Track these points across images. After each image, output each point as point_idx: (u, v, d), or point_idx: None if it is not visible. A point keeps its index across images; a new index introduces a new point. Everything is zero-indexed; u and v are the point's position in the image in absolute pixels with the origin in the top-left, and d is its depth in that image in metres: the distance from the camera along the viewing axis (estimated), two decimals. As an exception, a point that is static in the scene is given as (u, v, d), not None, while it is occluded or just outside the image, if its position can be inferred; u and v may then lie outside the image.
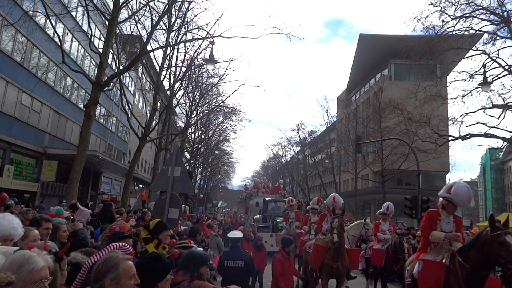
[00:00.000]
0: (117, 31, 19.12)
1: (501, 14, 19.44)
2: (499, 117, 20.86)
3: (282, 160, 71.91)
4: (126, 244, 3.04)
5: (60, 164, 21.71)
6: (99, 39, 22.29)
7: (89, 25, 16.90)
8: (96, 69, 16.66)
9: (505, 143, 23.68)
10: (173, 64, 24.55)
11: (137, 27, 20.64)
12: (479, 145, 76.46)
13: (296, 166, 68.83)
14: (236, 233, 6.42)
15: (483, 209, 71.33)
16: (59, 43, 16.21)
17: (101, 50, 15.86)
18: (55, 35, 16.62)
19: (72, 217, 6.90)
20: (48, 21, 16.25)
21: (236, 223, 24.49)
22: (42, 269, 2.10)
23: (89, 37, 16.83)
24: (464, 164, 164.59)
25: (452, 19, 20.11)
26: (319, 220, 9.69)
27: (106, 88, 17.07)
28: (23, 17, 15.56)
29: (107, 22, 15.78)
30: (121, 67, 19.08)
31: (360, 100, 53.51)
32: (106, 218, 8.49)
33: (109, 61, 20.52)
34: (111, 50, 17.50)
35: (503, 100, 20.66)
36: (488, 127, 21.23)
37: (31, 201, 17.77)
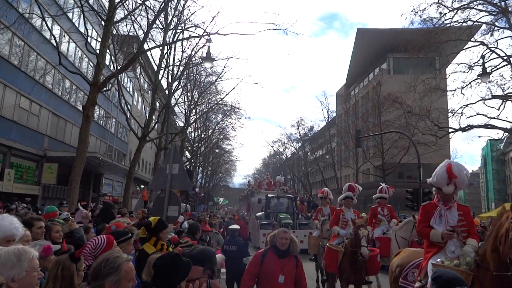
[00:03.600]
0: (114, 31, 19.07)
1: (498, 4, 19.36)
2: (499, 108, 20.85)
3: (283, 157, 71.88)
4: (104, 236, 3.09)
5: (61, 166, 21.69)
6: (96, 40, 22.23)
7: (85, 26, 16.84)
8: (94, 70, 16.61)
9: (506, 134, 23.64)
10: (171, 63, 24.52)
11: (133, 27, 20.62)
12: (479, 137, 75.76)
13: (297, 162, 68.79)
14: (235, 226, 8.40)
15: (485, 200, 71.38)
16: (55, 45, 16.17)
17: (98, 51, 15.82)
18: (52, 37, 16.56)
19: (71, 218, 6.88)
20: (44, 23, 16.20)
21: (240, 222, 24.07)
22: (36, 258, 2.22)
23: (86, 38, 16.76)
24: (465, 156, 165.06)
25: (450, 10, 20.06)
26: (422, 214, 4.88)
27: (104, 89, 17.05)
28: (19, 20, 15.51)
29: (103, 23, 15.74)
30: (118, 68, 19.04)
31: (359, 95, 53.40)
32: (107, 219, 8.45)
33: (107, 62, 20.54)
34: (108, 51, 17.48)
35: (503, 91, 20.61)
36: (488, 118, 21.22)
37: (33, 204, 17.76)
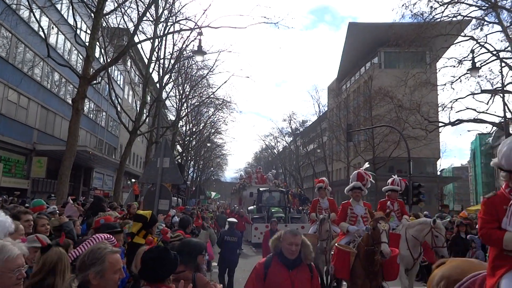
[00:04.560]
0: (104, 24, 18.82)
1: (488, -1, 19.47)
2: (487, 102, 21.04)
3: (275, 151, 72.02)
4: (111, 236, 3.00)
5: (50, 160, 21.46)
6: (85, 32, 21.91)
7: (74, 18, 16.57)
8: (83, 62, 16.39)
9: (494, 128, 23.91)
10: (162, 56, 24.29)
11: (123, 19, 20.37)
12: (468, 131, 76.38)
13: (288, 156, 68.97)
14: (233, 219, 9.74)
15: (474, 193, 72.35)
16: (44, 37, 15.90)
17: (87, 44, 15.59)
18: (40, 28, 16.27)
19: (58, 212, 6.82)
20: (32, 14, 15.90)
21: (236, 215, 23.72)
22: (18, 257, 2.08)
23: (75, 30, 16.50)
24: (455, 150, 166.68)
25: (440, 5, 20.11)
26: (486, 210, 3.41)
27: (94, 82, 16.85)
28: (6, 11, 15.22)
29: (92, 15, 15.50)
30: (109, 60, 18.82)
31: (351, 89, 53.58)
32: (97, 212, 8.40)
33: (97, 55, 20.27)
34: (98, 43, 17.24)
35: (492, 85, 20.79)
36: (477, 112, 21.39)
37: (22, 198, 17.57)
